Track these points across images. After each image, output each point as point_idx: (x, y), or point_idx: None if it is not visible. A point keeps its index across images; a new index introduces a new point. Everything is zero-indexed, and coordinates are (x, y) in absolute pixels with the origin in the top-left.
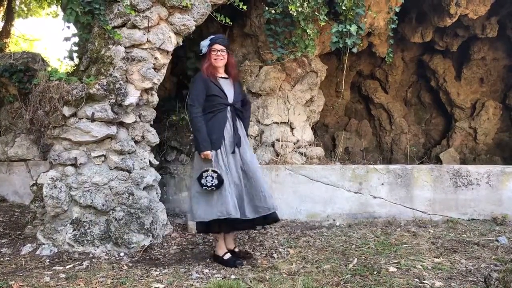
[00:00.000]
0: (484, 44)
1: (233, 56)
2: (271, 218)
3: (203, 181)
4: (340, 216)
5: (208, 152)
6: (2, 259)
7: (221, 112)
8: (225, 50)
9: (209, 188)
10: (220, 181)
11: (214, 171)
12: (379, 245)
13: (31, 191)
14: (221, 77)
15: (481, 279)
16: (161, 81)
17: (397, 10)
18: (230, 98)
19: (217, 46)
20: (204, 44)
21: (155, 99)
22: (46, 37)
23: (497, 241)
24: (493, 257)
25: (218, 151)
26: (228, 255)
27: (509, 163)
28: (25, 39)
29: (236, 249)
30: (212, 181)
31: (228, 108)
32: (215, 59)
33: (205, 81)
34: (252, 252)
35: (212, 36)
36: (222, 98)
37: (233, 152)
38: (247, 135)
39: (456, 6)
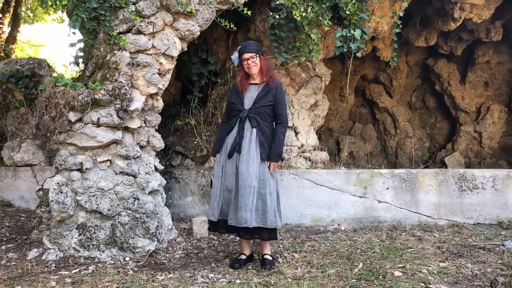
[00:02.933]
0: (488, 48)
1: (264, 58)
2: (249, 232)
3: None
4: (345, 221)
5: (212, 157)
6: (8, 263)
7: (234, 117)
8: (255, 56)
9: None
10: (211, 186)
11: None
12: (384, 250)
13: (37, 196)
14: (252, 83)
15: (487, 284)
16: (166, 86)
17: (401, 14)
18: (247, 104)
19: (246, 55)
20: (234, 57)
21: (160, 104)
22: (52, 43)
23: (503, 245)
24: (499, 261)
25: (220, 154)
26: (242, 257)
27: None
28: (31, 45)
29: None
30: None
31: (240, 113)
32: (248, 68)
33: (232, 91)
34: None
35: (239, 47)
36: (236, 105)
37: (229, 156)
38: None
39: (460, 10)
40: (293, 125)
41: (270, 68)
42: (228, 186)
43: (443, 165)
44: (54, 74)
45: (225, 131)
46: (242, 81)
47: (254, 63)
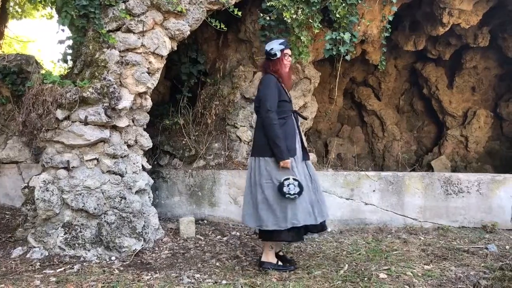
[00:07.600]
0: (476, 53)
1: None
2: (324, 225)
3: (285, 189)
4: (331, 222)
5: (289, 160)
6: None
7: (290, 118)
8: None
9: (292, 196)
10: (302, 189)
11: (295, 179)
12: (370, 252)
13: (22, 194)
14: None
15: (470, 286)
16: (155, 85)
17: (390, 18)
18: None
19: (288, 51)
20: (277, 48)
21: (148, 103)
22: (40, 39)
23: (487, 248)
24: (482, 264)
25: (294, 158)
26: (279, 262)
27: (500, 171)
28: (19, 41)
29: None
30: (294, 189)
31: (293, 114)
32: (286, 64)
33: (277, 85)
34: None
35: (282, 40)
36: (290, 104)
37: (304, 159)
38: None
39: (448, 15)
40: None
41: None
42: (310, 187)
43: (430, 168)
44: (42, 71)
45: (290, 132)
46: (291, 77)
47: (289, 62)
